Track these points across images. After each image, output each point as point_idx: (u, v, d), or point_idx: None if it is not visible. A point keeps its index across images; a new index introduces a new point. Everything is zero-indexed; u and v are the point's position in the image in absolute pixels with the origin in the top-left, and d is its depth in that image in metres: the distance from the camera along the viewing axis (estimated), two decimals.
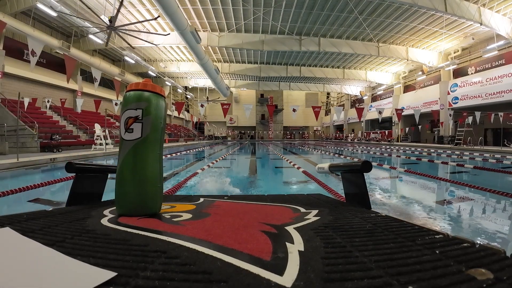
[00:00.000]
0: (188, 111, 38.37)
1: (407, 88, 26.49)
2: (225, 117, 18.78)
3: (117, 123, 19.67)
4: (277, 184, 4.68)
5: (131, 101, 1.07)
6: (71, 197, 1.12)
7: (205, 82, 30.44)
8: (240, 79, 31.81)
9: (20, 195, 3.33)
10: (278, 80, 31.24)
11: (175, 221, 0.80)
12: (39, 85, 17.28)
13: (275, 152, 13.62)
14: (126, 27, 13.38)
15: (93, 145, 12.09)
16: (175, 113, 28.23)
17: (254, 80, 31.39)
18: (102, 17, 12.15)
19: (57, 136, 11.70)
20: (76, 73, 20.03)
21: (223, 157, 9.95)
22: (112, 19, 11.27)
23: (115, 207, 1.04)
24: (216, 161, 8.20)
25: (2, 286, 0.28)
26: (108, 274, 0.34)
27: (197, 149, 16.03)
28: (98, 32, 13.45)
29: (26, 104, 12.55)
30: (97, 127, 11.72)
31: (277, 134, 42.42)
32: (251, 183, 4.83)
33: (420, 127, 22.42)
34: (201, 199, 1.10)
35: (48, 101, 16.13)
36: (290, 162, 7.62)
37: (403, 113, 21.49)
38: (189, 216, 0.86)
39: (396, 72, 26.84)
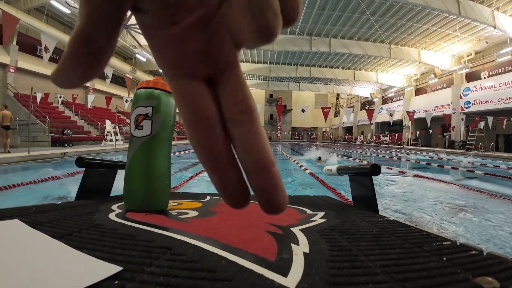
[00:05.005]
0: None
1: (419, 91, 26.07)
2: None
3: (127, 120, 19.92)
4: (283, 185, 4.66)
5: (142, 98, 1.08)
6: (80, 191, 1.14)
7: None
8: (250, 79, 31.84)
9: (29, 188, 3.40)
10: (288, 80, 31.17)
11: (181, 218, 0.80)
12: (51, 80, 17.61)
13: (283, 152, 13.59)
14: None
15: (103, 141, 12.28)
16: None
17: (263, 80, 31.39)
18: None
19: (68, 131, 11.92)
20: None
21: None
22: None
23: (123, 203, 1.05)
24: None
25: (10, 276, 0.29)
26: (114, 268, 0.34)
27: None
28: None
29: (38, 99, 12.82)
30: (108, 123, 11.91)
31: (285, 134, 42.34)
32: None
33: (431, 131, 22.00)
34: (208, 197, 1.10)
35: (60, 97, 16.48)
36: (297, 163, 7.60)
37: (414, 117, 21.17)
38: (195, 213, 0.86)
39: (407, 75, 26.46)
